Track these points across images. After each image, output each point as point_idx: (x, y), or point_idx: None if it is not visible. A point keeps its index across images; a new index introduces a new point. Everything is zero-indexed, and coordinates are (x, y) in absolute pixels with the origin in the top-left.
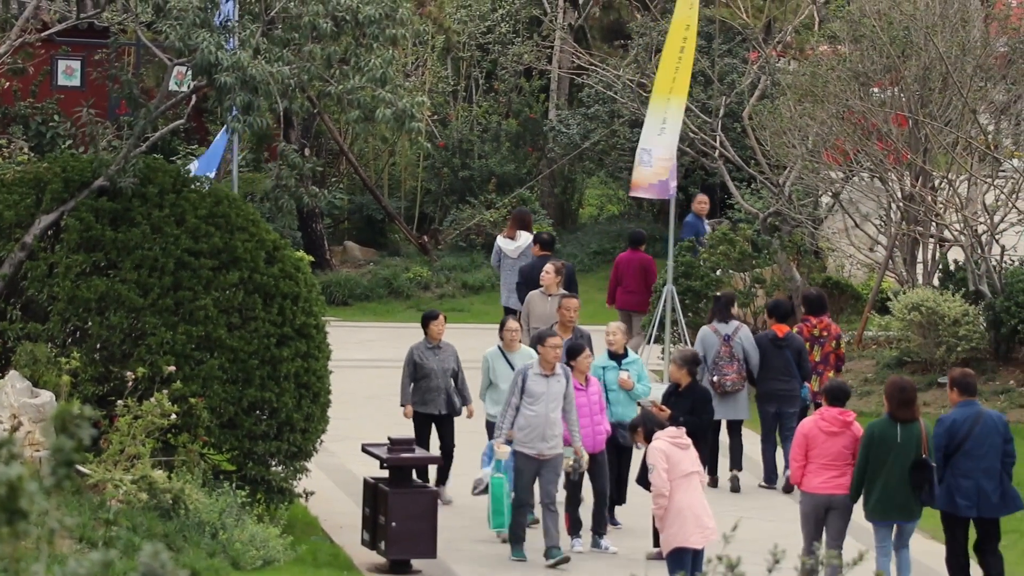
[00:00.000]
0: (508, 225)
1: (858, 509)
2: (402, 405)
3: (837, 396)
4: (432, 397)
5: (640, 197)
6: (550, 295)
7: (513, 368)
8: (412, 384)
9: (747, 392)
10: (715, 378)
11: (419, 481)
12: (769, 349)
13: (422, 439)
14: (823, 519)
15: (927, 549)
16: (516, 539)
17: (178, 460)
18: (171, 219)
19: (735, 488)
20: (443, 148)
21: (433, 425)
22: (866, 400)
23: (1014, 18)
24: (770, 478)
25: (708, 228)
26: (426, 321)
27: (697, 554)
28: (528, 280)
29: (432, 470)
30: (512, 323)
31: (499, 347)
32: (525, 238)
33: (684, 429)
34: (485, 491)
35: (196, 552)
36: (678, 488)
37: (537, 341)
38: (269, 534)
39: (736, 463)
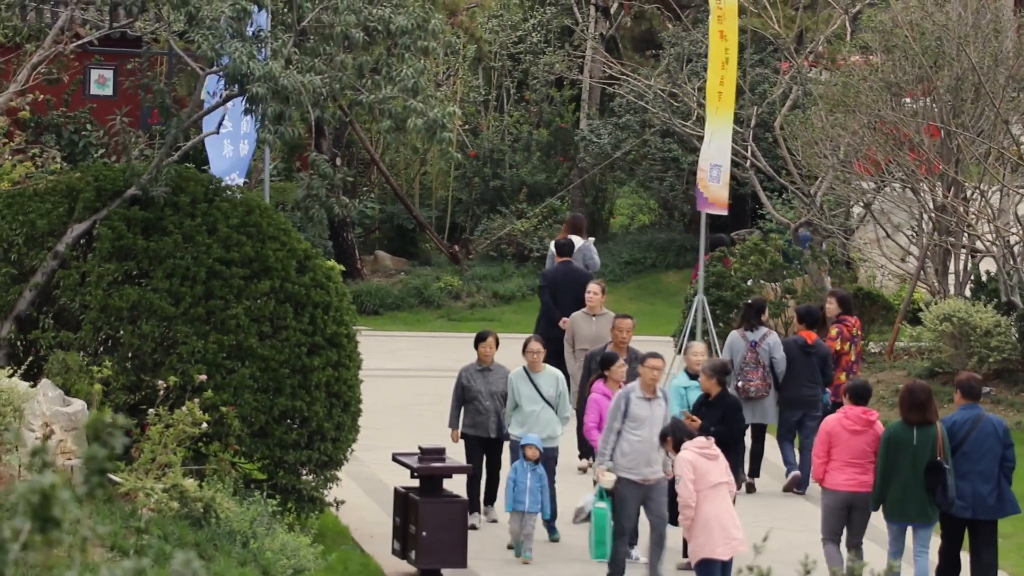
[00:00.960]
0: (562, 230)
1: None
2: (450, 427)
3: (860, 394)
4: (482, 420)
5: (710, 212)
6: (595, 315)
7: (538, 389)
8: (461, 407)
9: (773, 398)
10: (740, 383)
11: (450, 491)
12: (797, 355)
13: (474, 463)
14: (845, 515)
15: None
16: (617, 571)
17: (209, 469)
18: (203, 228)
19: (750, 490)
20: (474, 157)
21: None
22: (897, 411)
23: None
24: (799, 481)
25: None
26: (476, 343)
27: (725, 565)
28: (551, 283)
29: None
30: (535, 344)
31: (524, 368)
32: (577, 242)
33: (713, 439)
34: (587, 519)
35: (227, 561)
36: (705, 499)
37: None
38: (300, 543)
39: (755, 470)
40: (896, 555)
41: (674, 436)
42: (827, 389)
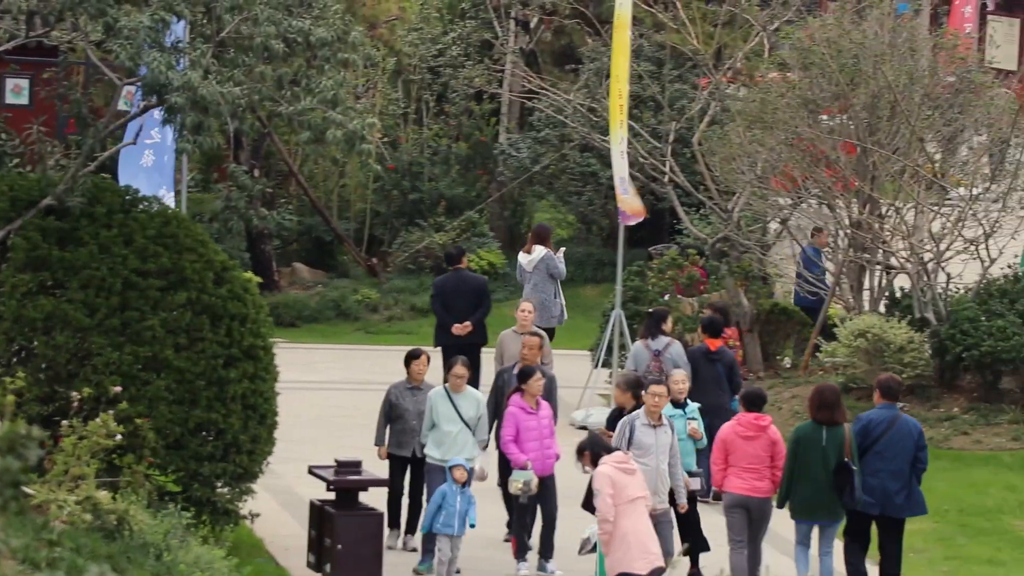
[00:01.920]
0: (528, 240)
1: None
2: (376, 445)
3: (754, 401)
4: (406, 439)
5: (628, 224)
6: (523, 333)
7: (458, 410)
8: (388, 425)
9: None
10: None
11: (366, 504)
12: (702, 363)
13: (395, 483)
14: (746, 516)
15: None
16: None
17: (123, 481)
18: (119, 239)
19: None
20: (393, 170)
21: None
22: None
23: (961, 48)
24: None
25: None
26: (407, 360)
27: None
28: (441, 292)
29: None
30: (460, 368)
31: (445, 387)
32: (539, 251)
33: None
34: (593, 550)
35: (140, 574)
36: (623, 514)
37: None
38: (214, 556)
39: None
40: (802, 555)
41: (592, 450)
42: (735, 396)
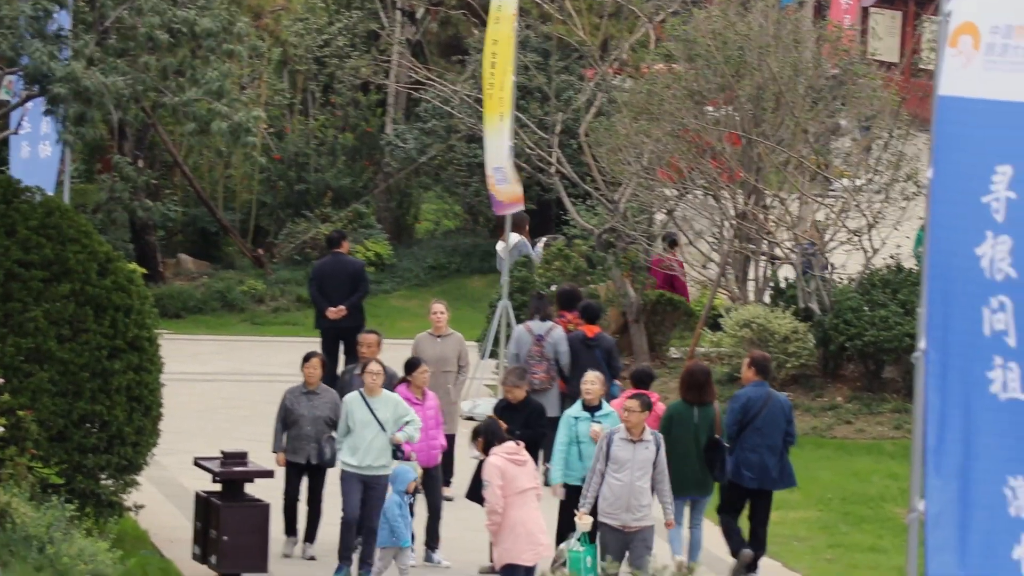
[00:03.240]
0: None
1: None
2: (273, 452)
3: (642, 379)
4: (300, 445)
5: (503, 213)
6: (440, 336)
7: (374, 414)
8: (284, 430)
9: (556, 390)
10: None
11: (251, 495)
12: (581, 349)
13: (291, 490)
14: None
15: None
16: None
17: (5, 473)
18: (1, 230)
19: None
20: (279, 161)
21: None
22: None
23: (845, 40)
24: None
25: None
26: (301, 363)
27: (530, 570)
28: (319, 276)
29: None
30: (375, 366)
31: (360, 392)
32: (514, 239)
33: (523, 444)
34: (564, 565)
35: (23, 567)
36: (512, 505)
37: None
38: (98, 548)
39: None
40: (676, 532)
41: (486, 438)
42: (615, 381)
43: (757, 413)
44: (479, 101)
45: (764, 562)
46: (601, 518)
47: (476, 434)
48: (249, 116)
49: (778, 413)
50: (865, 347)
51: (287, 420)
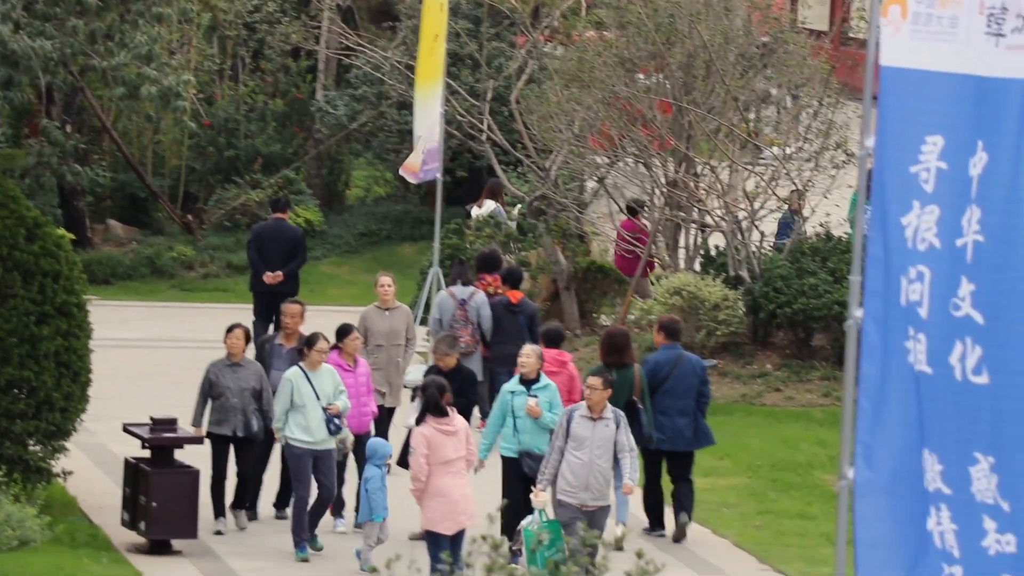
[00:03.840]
0: (482, 193)
1: None
2: (193, 425)
3: (553, 338)
4: (227, 417)
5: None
6: (388, 309)
7: (315, 389)
8: (207, 403)
9: (479, 353)
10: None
11: (181, 462)
12: (504, 314)
13: (219, 463)
14: None
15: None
16: None
17: None
18: None
19: None
20: (208, 127)
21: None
22: None
23: (775, 8)
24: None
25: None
26: (224, 335)
27: (456, 538)
28: (258, 239)
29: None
30: (323, 343)
31: (300, 366)
32: (488, 206)
33: (454, 415)
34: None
35: None
36: (436, 473)
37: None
38: (26, 514)
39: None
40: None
41: (427, 399)
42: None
43: (667, 376)
44: (410, 67)
45: (693, 528)
46: (559, 495)
47: (423, 389)
48: (179, 81)
49: (690, 375)
50: (795, 315)
51: (211, 393)
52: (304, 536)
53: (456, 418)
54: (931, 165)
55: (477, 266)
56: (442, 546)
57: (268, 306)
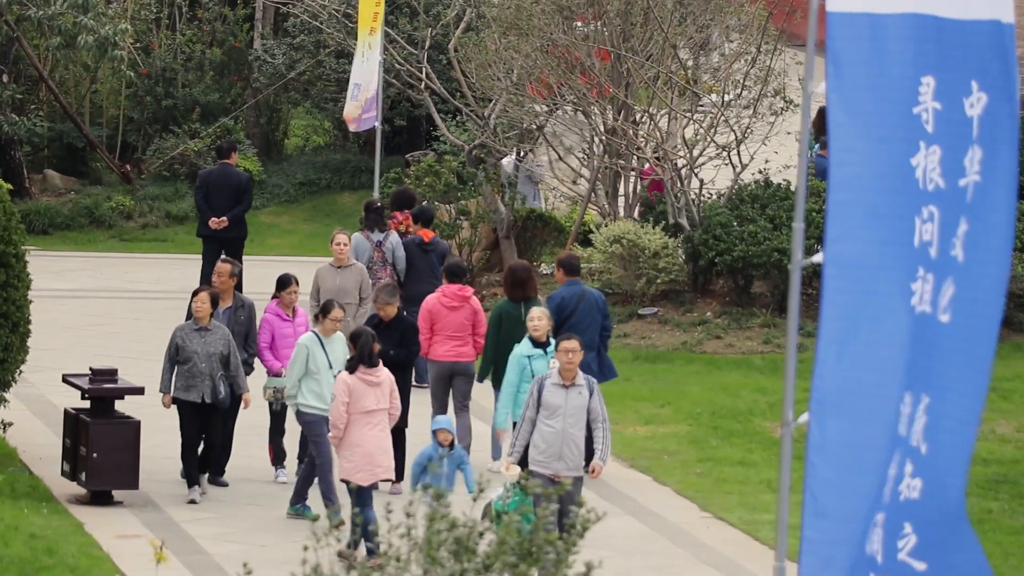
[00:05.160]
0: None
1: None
2: (160, 391)
3: (456, 273)
4: (195, 383)
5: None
6: (340, 267)
7: (327, 356)
8: (173, 369)
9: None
10: (370, 281)
11: (122, 412)
12: (416, 253)
13: (188, 432)
14: (449, 383)
15: None
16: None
17: None
18: None
19: None
20: (146, 76)
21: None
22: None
23: None
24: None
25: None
26: (191, 298)
27: (367, 488)
28: (205, 184)
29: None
30: (338, 312)
31: (315, 332)
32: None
33: (380, 367)
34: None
35: None
36: (355, 423)
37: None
38: None
39: None
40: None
41: (359, 350)
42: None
43: (572, 311)
44: (348, 16)
45: (634, 476)
46: (532, 466)
47: (353, 339)
48: (116, 30)
49: (593, 309)
50: (734, 262)
51: (179, 358)
52: (335, 498)
53: (382, 370)
54: (928, 106)
55: (390, 203)
56: (364, 499)
57: (216, 251)
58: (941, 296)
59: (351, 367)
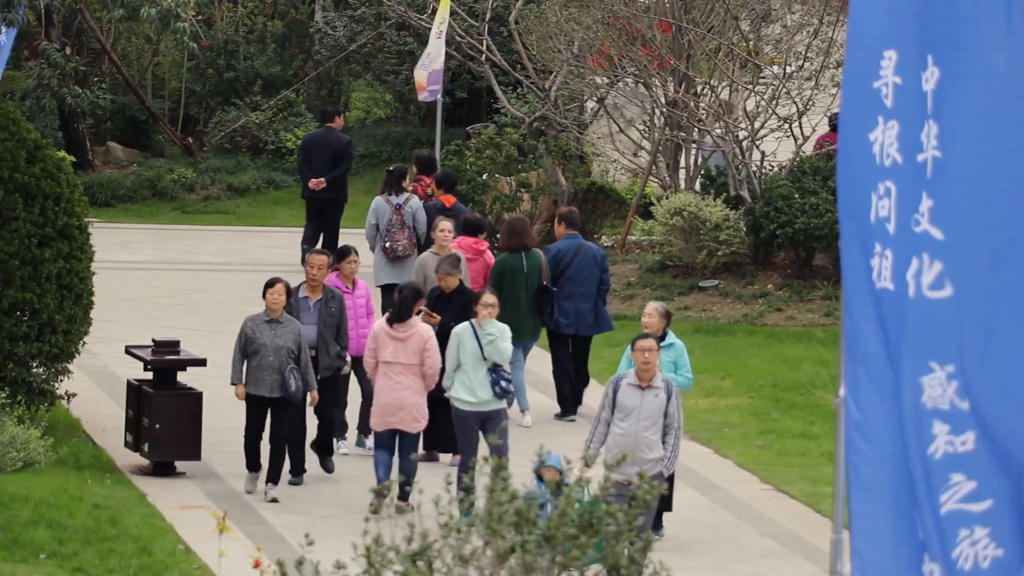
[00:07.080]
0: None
1: None
2: (232, 383)
3: (474, 226)
4: (262, 377)
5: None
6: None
7: (481, 347)
8: (244, 361)
9: (415, 258)
10: (387, 244)
11: (184, 384)
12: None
13: (252, 425)
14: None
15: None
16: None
17: None
18: None
19: None
20: (208, 48)
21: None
22: (629, 303)
23: None
24: None
25: None
26: (264, 290)
27: (403, 436)
28: (307, 146)
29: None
30: (490, 297)
31: (471, 322)
32: None
33: (410, 324)
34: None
35: None
36: (379, 372)
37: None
38: (30, 436)
39: None
40: (517, 372)
41: (401, 294)
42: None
43: (569, 263)
44: None
45: (695, 448)
46: (605, 471)
47: (399, 291)
48: (178, 2)
49: (590, 262)
50: (796, 234)
51: (247, 350)
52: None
53: (411, 328)
54: (888, 80)
55: (416, 167)
56: (379, 441)
57: (319, 211)
58: (923, 274)
59: (388, 318)
